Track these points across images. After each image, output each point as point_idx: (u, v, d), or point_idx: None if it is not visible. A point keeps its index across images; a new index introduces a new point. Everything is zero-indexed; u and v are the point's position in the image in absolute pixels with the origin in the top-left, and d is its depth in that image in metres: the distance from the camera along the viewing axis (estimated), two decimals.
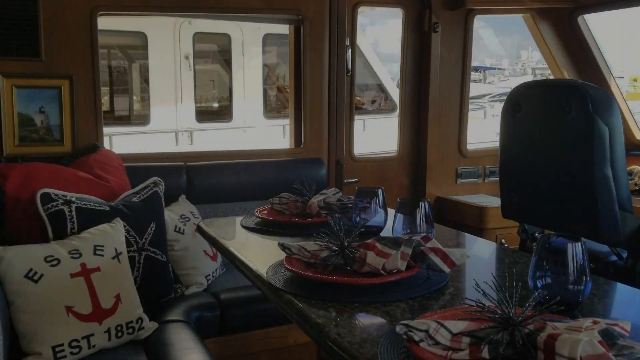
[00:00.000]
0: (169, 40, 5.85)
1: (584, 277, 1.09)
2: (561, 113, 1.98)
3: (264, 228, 1.82)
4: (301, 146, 3.08)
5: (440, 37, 3.30)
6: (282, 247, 1.40)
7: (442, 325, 0.92)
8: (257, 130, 6.36)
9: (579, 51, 3.53)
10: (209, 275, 2.40)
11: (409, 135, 3.44)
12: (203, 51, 6.33)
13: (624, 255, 2.04)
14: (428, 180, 3.44)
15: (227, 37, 6.10)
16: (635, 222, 1.96)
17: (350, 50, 3.16)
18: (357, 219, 1.75)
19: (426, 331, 0.92)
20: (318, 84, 3.07)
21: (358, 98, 7.35)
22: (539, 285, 1.13)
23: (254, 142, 5.85)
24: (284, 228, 1.78)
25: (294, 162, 2.94)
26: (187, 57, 5.89)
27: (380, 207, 1.68)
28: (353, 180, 3.30)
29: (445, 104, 3.41)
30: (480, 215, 3.16)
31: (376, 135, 5.51)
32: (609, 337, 0.87)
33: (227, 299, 2.25)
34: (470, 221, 3.22)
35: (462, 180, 3.52)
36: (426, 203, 1.52)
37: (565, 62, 3.56)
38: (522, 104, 2.16)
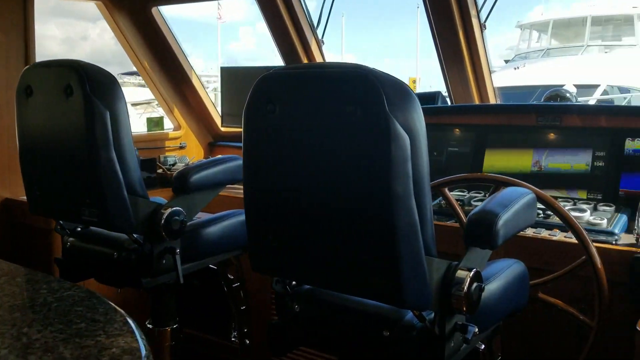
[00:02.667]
0: None
1: None
2: (62, 95, 1.83)
3: None
4: None
5: None
6: None
7: None
8: None
9: (159, 44, 3.55)
10: None
11: None
12: None
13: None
14: None
15: None
16: (149, 207, 1.96)
17: None
18: None
19: None
20: None
21: None
22: None
23: None
24: None
25: None
26: None
27: None
28: None
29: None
30: None
31: None
32: None
33: None
34: None
35: None
36: None
37: (146, 55, 3.54)
38: (33, 87, 1.96)
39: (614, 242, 2.08)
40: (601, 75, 12.45)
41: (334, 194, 1.33)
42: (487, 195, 2.51)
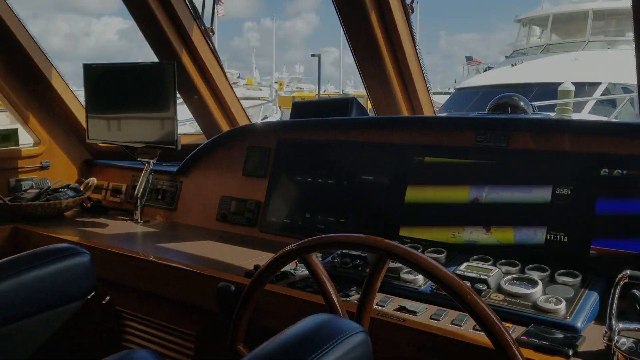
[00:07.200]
0: None
1: None
2: None
3: None
4: None
5: None
6: None
7: None
8: None
9: None
10: None
11: None
12: None
13: None
14: None
15: None
16: None
17: None
18: None
19: None
20: None
21: None
22: None
23: None
24: None
25: None
26: None
27: None
28: None
29: None
30: None
31: None
32: None
33: None
34: None
35: None
36: None
37: None
38: None
39: (570, 354, 1.24)
40: (603, 72, 11.53)
41: None
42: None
